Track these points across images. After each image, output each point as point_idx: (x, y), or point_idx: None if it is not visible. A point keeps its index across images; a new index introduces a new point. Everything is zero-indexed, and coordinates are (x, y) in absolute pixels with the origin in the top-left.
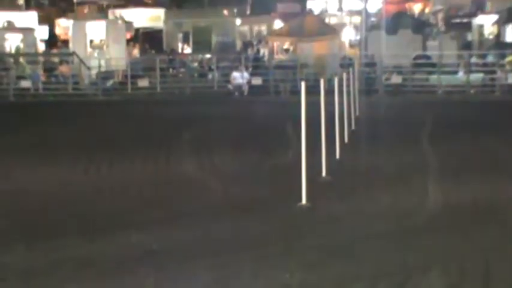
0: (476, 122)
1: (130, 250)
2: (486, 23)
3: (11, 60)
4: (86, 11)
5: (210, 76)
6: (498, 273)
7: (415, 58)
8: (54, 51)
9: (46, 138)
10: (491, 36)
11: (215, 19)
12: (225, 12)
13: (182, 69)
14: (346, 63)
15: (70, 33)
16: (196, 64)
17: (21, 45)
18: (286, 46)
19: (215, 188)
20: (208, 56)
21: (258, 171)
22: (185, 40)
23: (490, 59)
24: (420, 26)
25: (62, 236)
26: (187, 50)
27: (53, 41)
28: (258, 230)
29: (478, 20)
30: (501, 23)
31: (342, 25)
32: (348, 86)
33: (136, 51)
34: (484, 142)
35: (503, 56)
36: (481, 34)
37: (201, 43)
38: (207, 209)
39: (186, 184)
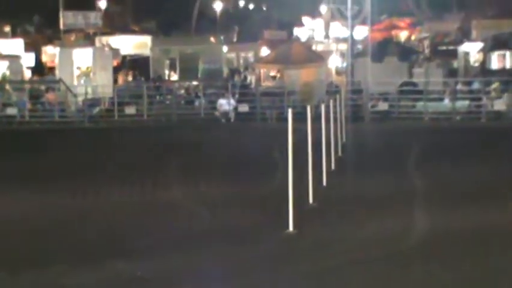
0: (463, 149)
1: (115, 278)
2: (472, 50)
3: None
4: (72, 38)
5: (196, 103)
6: None
7: (402, 85)
8: (41, 78)
9: (29, 166)
10: (476, 64)
11: (202, 46)
12: (212, 39)
13: (169, 96)
14: (333, 90)
15: (57, 60)
16: (183, 91)
17: (7, 73)
18: (273, 73)
19: (201, 216)
20: (195, 82)
21: (244, 199)
22: (172, 67)
23: (476, 86)
24: (406, 53)
25: (47, 264)
26: (174, 77)
27: (39, 68)
28: (245, 257)
29: (464, 47)
30: (486, 51)
31: (329, 52)
32: (335, 113)
33: (129, 78)
34: (470, 169)
35: (489, 83)
36: (466, 61)
37: (187, 70)
38: (193, 237)
39: (171, 211)
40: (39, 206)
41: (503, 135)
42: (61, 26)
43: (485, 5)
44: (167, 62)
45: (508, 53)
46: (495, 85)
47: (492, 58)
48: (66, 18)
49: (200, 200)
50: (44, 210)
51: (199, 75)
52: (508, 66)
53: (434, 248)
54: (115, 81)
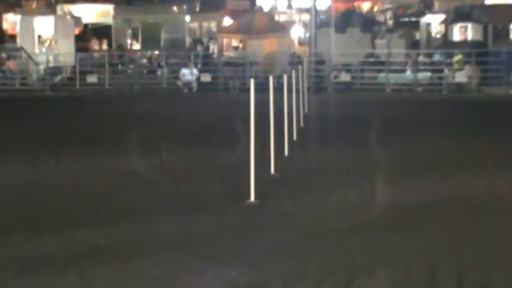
0: (423, 120)
1: (76, 247)
2: (434, 22)
3: None
4: (34, 6)
5: (159, 72)
6: (442, 273)
7: (366, 56)
8: (1, 46)
9: None
10: (438, 36)
11: (164, 16)
12: (175, 8)
13: (131, 66)
14: (295, 61)
15: (17, 28)
16: (145, 60)
17: None
18: (235, 43)
19: (162, 186)
20: (157, 52)
21: (206, 169)
22: (134, 36)
23: (438, 57)
24: (369, 24)
25: (7, 234)
26: (137, 46)
27: (0, 36)
28: (206, 227)
29: (426, 19)
30: (448, 22)
31: (292, 23)
32: (297, 83)
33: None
34: (430, 141)
35: (451, 55)
36: (428, 33)
37: (150, 39)
38: (153, 207)
39: (132, 182)
40: None
41: (464, 106)
42: None
43: None
44: (129, 31)
45: (469, 25)
46: (458, 57)
47: (454, 30)
48: None
49: (161, 169)
50: (3, 180)
51: (161, 45)
52: (469, 38)
53: (396, 219)
54: (78, 49)
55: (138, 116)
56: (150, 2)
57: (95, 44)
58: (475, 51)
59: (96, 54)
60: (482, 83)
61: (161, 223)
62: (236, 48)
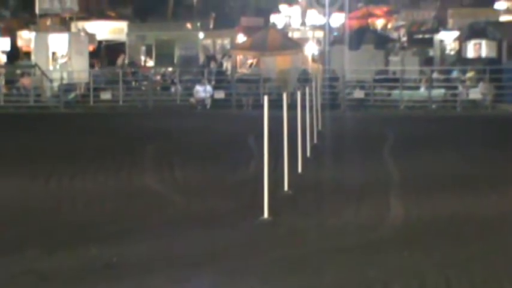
0: (438, 137)
1: (90, 263)
2: (447, 39)
3: None
4: (48, 23)
5: (172, 89)
6: None
7: (380, 73)
8: (16, 63)
9: (4, 150)
10: (452, 52)
11: (178, 32)
12: (188, 25)
13: (145, 82)
14: (304, 78)
15: (32, 45)
16: (159, 77)
17: None
18: (249, 60)
19: (176, 202)
20: (171, 69)
21: (220, 185)
22: (148, 53)
23: (452, 74)
24: (382, 41)
25: (21, 249)
26: (150, 63)
27: (14, 53)
28: (220, 244)
29: (440, 36)
30: (462, 39)
31: (305, 39)
32: (311, 100)
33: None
34: (445, 158)
35: (465, 72)
36: (442, 50)
37: (163, 56)
38: (167, 223)
39: (146, 197)
40: (12, 190)
41: (478, 123)
42: (37, 11)
43: None
44: (143, 48)
45: (483, 42)
46: (470, 74)
47: (468, 47)
48: (41, 3)
49: (175, 186)
50: (17, 195)
51: (175, 62)
52: (483, 55)
53: (409, 235)
54: (92, 66)
55: (151, 133)
56: (164, 19)
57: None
58: (489, 68)
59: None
60: (497, 99)
61: (174, 239)
62: (250, 65)
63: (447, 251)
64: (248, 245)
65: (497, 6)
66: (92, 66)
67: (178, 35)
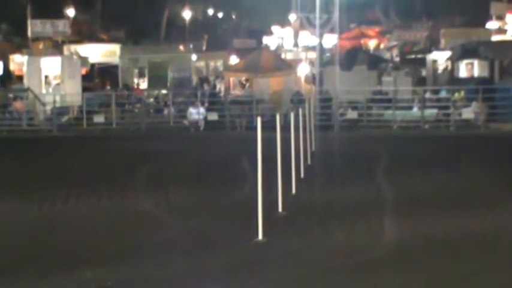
0: (430, 157)
1: (84, 286)
2: (440, 58)
3: None
4: (40, 46)
5: (166, 112)
6: None
7: (373, 94)
8: (9, 87)
9: None
10: (445, 72)
11: (171, 55)
12: (181, 47)
13: (138, 105)
14: (297, 99)
15: (25, 68)
16: (152, 100)
17: None
18: (242, 81)
19: (171, 224)
20: (164, 91)
21: (214, 207)
22: (141, 75)
23: (444, 94)
24: (375, 61)
25: (15, 272)
26: (143, 85)
27: (7, 76)
28: (214, 265)
29: (432, 56)
30: (454, 59)
31: (298, 61)
32: (304, 121)
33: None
34: (437, 178)
35: (454, 92)
36: (435, 70)
37: (156, 79)
38: (162, 245)
39: (140, 220)
40: (5, 214)
41: (471, 143)
42: (29, 34)
43: (453, 14)
44: (136, 70)
45: (475, 62)
46: (459, 94)
47: (460, 67)
48: (34, 26)
49: (169, 208)
50: (11, 218)
51: (168, 84)
52: (475, 74)
53: (402, 256)
54: (84, 89)
55: (145, 155)
56: (157, 41)
57: (105, 84)
58: (481, 87)
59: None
60: (489, 119)
61: (170, 261)
62: (243, 86)
63: (441, 270)
64: (243, 267)
65: (489, 26)
66: (88, 89)
67: (171, 57)
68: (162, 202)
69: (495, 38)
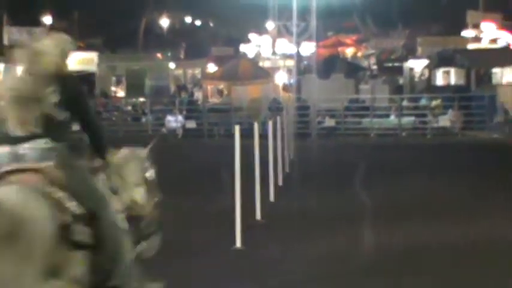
0: (407, 164)
1: None
2: (417, 67)
3: None
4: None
5: (144, 120)
6: None
7: (350, 102)
8: None
9: None
10: (422, 80)
11: (149, 63)
12: (159, 55)
13: (116, 113)
14: (275, 107)
15: (1, 76)
16: (130, 108)
17: None
18: (220, 90)
19: None
20: (142, 99)
21: (191, 216)
22: (118, 83)
23: (421, 102)
24: (352, 69)
25: None
26: (121, 93)
27: None
28: (191, 274)
29: (409, 64)
30: (431, 67)
31: (276, 69)
32: (282, 129)
33: None
34: (415, 185)
35: (434, 100)
36: (412, 78)
37: (134, 87)
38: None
39: None
40: None
41: (447, 151)
42: (5, 42)
43: (429, 23)
44: (113, 78)
45: (452, 70)
46: (436, 102)
47: (437, 75)
48: (10, 34)
49: None
50: None
51: (146, 92)
52: (452, 82)
53: (380, 265)
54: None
55: None
56: (135, 49)
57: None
58: (458, 95)
59: None
60: (466, 126)
61: (146, 270)
62: (221, 94)
63: (420, 280)
64: (221, 275)
65: (465, 34)
66: None
67: (149, 65)
68: None
69: (471, 46)
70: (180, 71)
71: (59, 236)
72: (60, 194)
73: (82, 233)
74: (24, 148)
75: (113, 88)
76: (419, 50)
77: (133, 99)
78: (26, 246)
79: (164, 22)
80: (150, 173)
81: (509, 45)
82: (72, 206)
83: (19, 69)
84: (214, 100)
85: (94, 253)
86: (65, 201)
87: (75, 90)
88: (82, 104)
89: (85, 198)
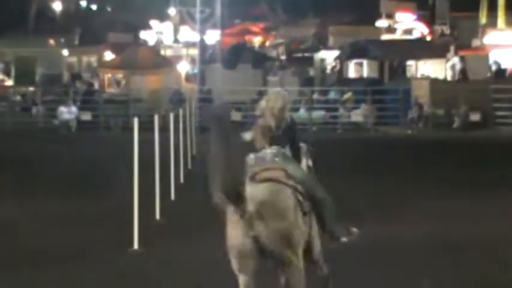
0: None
1: None
2: (328, 58)
3: None
4: None
5: (34, 110)
6: None
7: (259, 94)
8: None
9: None
10: (333, 72)
11: (40, 49)
12: (51, 41)
13: (3, 103)
14: (177, 99)
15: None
16: (19, 97)
17: None
18: (118, 79)
19: (38, 235)
20: (32, 88)
21: (85, 215)
22: (6, 71)
23: (332, 95)
24: (260, 60)
25: None
26: (9, 82)
27: None
28: (85, 278)
29: (320, 54)
30: (343, 59)
31: (178, 57)
32: (184, 122)
33: None
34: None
35: (342, 93)
36: (323, 69)
37: (24, 75)
38: (28, 257)
39: (3, 229)
40: None
41: (358, 146)
42: None
43: (342, 12)
44: (1, 65)
45: (365, 62)
46: (348, 95)
47: (349, 67)
48: None
49: (36, 217)
50: None
51: (37, 81)
52: (365, 75)
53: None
54: None
55: (8, 158)
56: (24, 34)
57: None
58: (371, 89)
59: None
60: (379, 122)
61: (40, 275)
62: (118, 84)
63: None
64: (116, 280)
65: (379, 24)
66: None
67: (40, 52)
68: (27, 211)
69: (385, 37)
70: (74, 59)
71: (297, 207)
72: (291, 182)
73: (306, 206)
74: (266, 153)
75: (0, 76)
76: (331, 40)
77: (23, 89)
78: (288, 213)
79: (57, 5)
80: None
81: (424, 36)
82: (299, 188)
83: None
84: (111, 90)
85: (316, 215)
86: (297, 187)
87: (288, 126)
88: (293, 133)
89: (305, 182)
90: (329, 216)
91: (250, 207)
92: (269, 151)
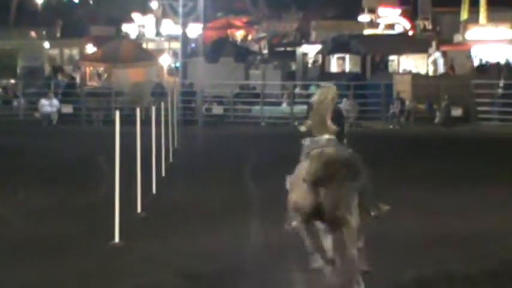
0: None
1: None
2: (310, 52)
3: None
4: None
5: (15, 103)
6: None
7: (241, 88)
8: None
9: None
10: (315, 66)
11: (21, 41)
12: (33, 34)
13: None
14: (158, 92)
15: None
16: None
17: None
18: (100, 72)
19: (18, 227)
20: (13, 81)
21: (66, 209)
22: None
23: (310, 90)
24: (242, 53)
25: None
26: None
27: None
28: (66, 271)
29: (303, 49)
30: (325, 53)
31: (161, 51)
32: (166, 115)
33: None
34: None
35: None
36: (305, 64)
37: (4, 67)
38: (9, 249)
39: None
40: None
41: None
42: None
43: (324, 6)
44: None
45: (347, 56)
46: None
47: (331, 61)
48: None
49: (18, 210)
50: None
51: (18, 73)
52: (347, 69)
53: (266, 258)
54: None
55: None
56: (5, 26)
57: None
58: (353, 83)
59: None
60: (361, 117)
61: (21, 268)
62: (100, 77)
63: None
64: (97, 273)
65: (361, 19)
66: None
67: (21, 44)
68: (8, 204)
69: (367, 31)
70: (55, 51)
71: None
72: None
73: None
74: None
75: None
76: (314, 34)
77: (4, 81)
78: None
79: None
80: None
81: (406, 31)
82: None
83: None
84: (93, 83)
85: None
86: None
87: (339, 116)
88: (342, 118)
89: (351, 160)
90: (368, 192)
91: (316, 174)
92: (326, 137)
